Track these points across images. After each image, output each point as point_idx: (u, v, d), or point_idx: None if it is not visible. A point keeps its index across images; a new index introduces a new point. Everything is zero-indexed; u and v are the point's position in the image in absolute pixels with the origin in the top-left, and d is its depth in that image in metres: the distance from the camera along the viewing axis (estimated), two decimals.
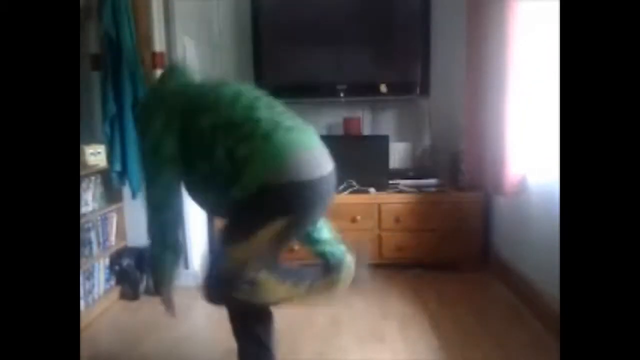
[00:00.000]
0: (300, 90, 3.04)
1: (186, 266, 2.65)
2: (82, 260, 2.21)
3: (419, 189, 2.83)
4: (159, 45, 2.40)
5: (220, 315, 2.34)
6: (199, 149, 1.42)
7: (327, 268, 1.67)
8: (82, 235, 2.24)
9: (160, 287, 1.63)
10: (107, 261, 2.47)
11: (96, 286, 2.35)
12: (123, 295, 2.51)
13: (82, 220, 2.23)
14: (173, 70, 1.65)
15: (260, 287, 1.41)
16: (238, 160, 1.35)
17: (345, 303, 2.40)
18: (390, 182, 2.88)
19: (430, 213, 2.77)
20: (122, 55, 2.25)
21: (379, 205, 2.80)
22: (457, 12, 2.80)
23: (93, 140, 2.39)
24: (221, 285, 1.41)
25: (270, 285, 1.43)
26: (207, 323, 2.29)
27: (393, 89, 3.00)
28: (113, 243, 2.52)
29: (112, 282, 2.50)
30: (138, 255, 2.54)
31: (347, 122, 3.09)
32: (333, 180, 1.52)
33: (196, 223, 2.69)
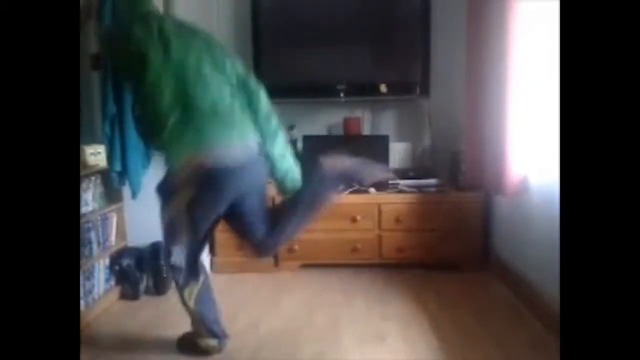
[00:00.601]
0: (300, 90, 3.04)
1: None
2: (82, 260, 2.21)
3: (419, 189, 2.83)
4: None
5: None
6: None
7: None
8: (82, 235, 2.24)
9: None
10: (107, 261, 2.46)
11: (96, 286, 2.35)
12: (123, 295, 2.51)
13: (82, 220, 2.23)
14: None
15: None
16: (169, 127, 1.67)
17: (346, 303, 2.40)
18: (390, 182, 2.88)
19: (431, 213, 2.77)
20: None
21: (379, 205, 2.80)
22: (457, 12, 2.80)
23: (93, 140, 2.39)
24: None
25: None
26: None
27: (393, 89, 3.00)
28: (113, 243, 2.52)
29: (112, 282, 2.50)
30: (138, 255, 2.54)
31: (347, 122, 3.09)
32: (242, 172, 1.73)
33: None
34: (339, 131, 3.13)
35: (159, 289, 2.53)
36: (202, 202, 1.72)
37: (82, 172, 2.23)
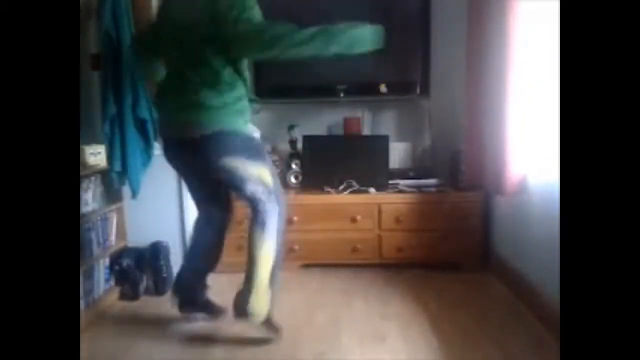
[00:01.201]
0: (300, 90, 3.04)
1: None
2: (82, 260, 2.21)
3: (419, 189, 2.83)
4: None
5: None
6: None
7: None
8: (82, 235, 2.24)
9: None
10: (107, 261, 2.46)
11: (96, 286, 2.35)
12: (123, 295, 2.51)
13: (82, 220, 2.23)
14: None
15: None
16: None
17: (346, 303, 2.40)
18: (390, 182, 2.88)
19: (431, 213, 2.77)
20: (122, 55, 2.25)
21: (379, 205, 2.80)
22: (457, 12, 2.80)
23: (93, 140, 2.39)
24: None
25: None
26: (207, 323, 2.29)
27: (393, 89, 3.00)
28: (113, 243, 2.52)
29: (112, 282, 2.50)
30: (138, 255, 2.54)
31: (347, 122, 3.09)
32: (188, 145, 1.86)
33: None
34: (339, 131, 3.13)
35: (159, 289, 2.53)
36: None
37: (82, 172, 2.23)
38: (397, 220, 2.79)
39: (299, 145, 2.99)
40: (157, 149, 2.49)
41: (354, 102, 3.12)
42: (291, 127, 3.00)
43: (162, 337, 2.08)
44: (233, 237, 2.83)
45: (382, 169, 2.90)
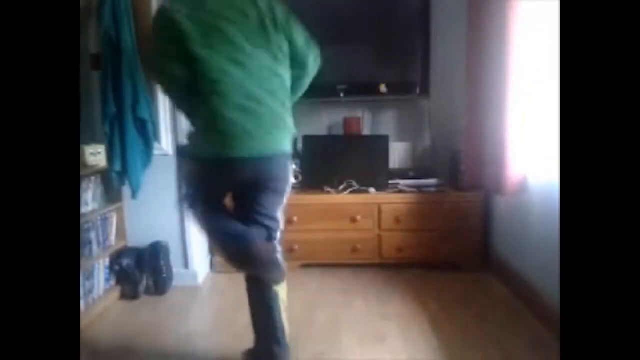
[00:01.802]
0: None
1: (186, 266, 2.65)
2: (82, 260, 2.21)
3: (419, 189, 2.83)
4: None
5: (220, 315, 2.34)
6: None
7: None
8: (82, 235, 2.24)
9: None
10: (107, 261, 2.47)
11: (96, 286, 2.35)
12: (123, 295, 2.51)
13: (82, 220, 2.23)
14: None
15: None
16: None
17: (346, 303, 2.40)
18: (390, 182, 2.88)
19: (430, 213, 2.77)
20: (122, 55, 2.25)
21: (379, 205, 2.80)
22: (457, 12, 2.80)
23: (93, 140, 2.40)
24: None
25: None
26: (207, 323, 2.29)
27: (393, 89, 3.00)
28: (113, 243, 2.52)
29: (112, 282, 2.50)
30: (138, 255, 2.54)
31: (347, 122, 3.09)
32: None
33: None
34: (339, 131, 3.13)
35: (159, 289, 2.53)
36: None
37: (82, 172, 2.23)
38: (397, 220, 2.78)
39: (299, 145, 2.99)
40: (157, 149, 2.49)
41: (354, 102, 3.12)
42: None
43: (161, 337, 2.08)
44: None
45: (382, 169, 2.90)
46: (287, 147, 1.65)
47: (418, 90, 3.00)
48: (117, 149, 2.31)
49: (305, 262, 2.87)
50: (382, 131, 3.17)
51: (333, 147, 3.04)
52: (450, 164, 2.93)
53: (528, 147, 2.22)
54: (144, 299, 2.50)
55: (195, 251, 2.65)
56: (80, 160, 2.26)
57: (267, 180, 1.63)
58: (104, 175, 2.44)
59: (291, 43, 1.67)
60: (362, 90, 3.03)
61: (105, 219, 2.46)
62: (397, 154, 3.12)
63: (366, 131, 3.17)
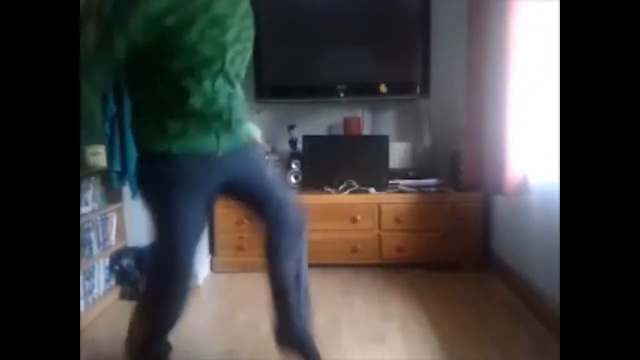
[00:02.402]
0: (300, 90, 3.05)
1: None
2: (82, 260, 2.21)
3: (419, 189, 2.83)
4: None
5: (220, 315, 2.34)
6: None
7: None
8: (82, 235, 2.24)
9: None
10: (107, 261, 2.47)
11: (96, 286, 2.35)
12: (123, 295, 2.51)
13: (82, 220, 2.23)
14: None
15: None
16: None
17: (346, 303, 2.40)
18: (390, 182, 2.88)
19: (430, 213, 2.77)
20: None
21: (379, 205, 2.80)
22: (457, 12, 2.81)
23: (93, 140, 2.39)
24: None
25: None
26: (207, 323, 2.29)
27: (393, 89, 3.00)
28: (113, 243, 2.52)
29: (112, 282, 2.50)
30: (138, 255, 2.54)
31: (347, 122, 3.09)
32: None
33: None
34: (339, 131, 3.13)
35: None
36: None
37: (82, 172, 2.23)
38: (397, 220, 2.79)
39: (299, 145, 2.99)
40: None
41: (354, 102, 3.12)
42: (291, 127, 3.00)
43: None
44: (232, 237, 2.84)
45: (382, 169, 2.90)
46: None
47: (418, 90, 3.00)
48: (117, 149, 2.31)
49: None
50: (382, 131, 3.17)
51: (333, 147, 3.04)
52: (450, 164, 2.93)
53: (528, 147, 2.22)
54: None
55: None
56: (80, 161, 2.26)
57: None
58: (104, 175, 2.44)
59: None
60: (362, 90, 3.03)
61: (105, 219, 2.46)
62: (397, 154, 3.12)
63: (366, 131, 3.17)
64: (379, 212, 2.80)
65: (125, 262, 2.48)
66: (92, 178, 2.37)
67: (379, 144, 2.95)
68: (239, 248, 2.82)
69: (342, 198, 2.81)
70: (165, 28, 1.30)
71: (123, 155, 2.32)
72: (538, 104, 2.16)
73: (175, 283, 1.53)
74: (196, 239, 1.53)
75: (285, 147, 3.06)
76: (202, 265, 2.77)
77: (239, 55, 1.48)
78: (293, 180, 2.96)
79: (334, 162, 2.95)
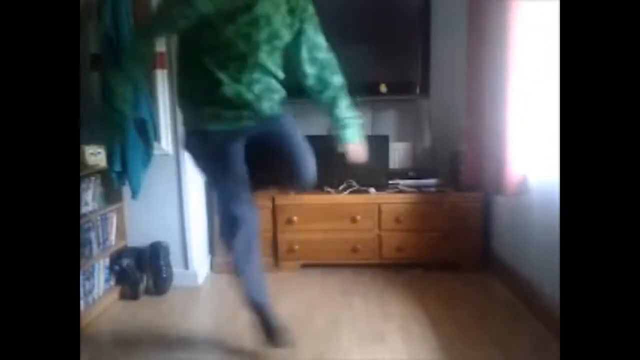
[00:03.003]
0: (300, 90, 3.04)
1: (186, 266, 2.65)
2: (82, 260, 2.21)
3: (419, 189, 2.83)
4: (159, 45, 2.39)
5: (220, 316, 2.34)
6: None
7: None
8: (82, 235, 2.24)
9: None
10: (107, 261, 2.47)
11: (96, 286, 2.35)
12: (123, 295, 2.51)
13: (82, 220, 2.23)
14: None
15: None
16: None
17: (346, 303, 2.40)
18: (390, 182, 2.88)
19: (430, 213, 2.77)
20: (122, 56, 2.25)
21: (379, 205, 2.80)
22: (457, 12, 2.80)
23: (93, 140, 2.39)
24: None
25: None
26: (207, 323, 2.29)
27: (393, 89, 2.99)
28: (113, 243, 2.52)
29: (112, 282, 2.50)
30: (138, 255, 2.54)
31: None
32: None
33: (197, 225, 2.69)
34: None
35: (159, 289, 2.53)
36: None
37: (82, 172, 2.23)
38: (397, 220, 2.79)
39: None
40: (157, 149, 2.49)
41: (353, 102, 3.11)
42: None
43: (161, 338, 2.08)
44: None
45: (382, 169, 2.90)
46: None
47: (418, 90, 3.00)
48: (117, 149, 2.31)
49: (305, 262, 2.87)
50: (382, 131, 3.16)
51: (333, 147, 3.03)
52: (450, 164, 2.93)
53: (528, 147, 2.22)
54: (144, 299, 2.50)
55: (195, 251, 2.65)
56: (80, 160, 2.26)
57: None
58: (104, 175, 2.44)
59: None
60: (362, 90, 3.03)
61: (105, 219, 2.46)
62: (397, 154, 3.12)
63: (366, 131, 3.17)
64: (379, 212, 2.80)
65: (125, 262, 2.48)
66: (92, 178, 2.37)
67: (379, 144, 2.94)
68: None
69: (342, 198, 2.81)
70: (208, 24, 1.52)
71: (123, 155, 2.32)
72: (538, 104, 2.16)
73: (237, 223, 1.80)
74: (242, 188, 1.79)
75: None
76: (202, 265, 2.77)
77: (276, 51, 1.71)
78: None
79: (334, 162, 2.94)
